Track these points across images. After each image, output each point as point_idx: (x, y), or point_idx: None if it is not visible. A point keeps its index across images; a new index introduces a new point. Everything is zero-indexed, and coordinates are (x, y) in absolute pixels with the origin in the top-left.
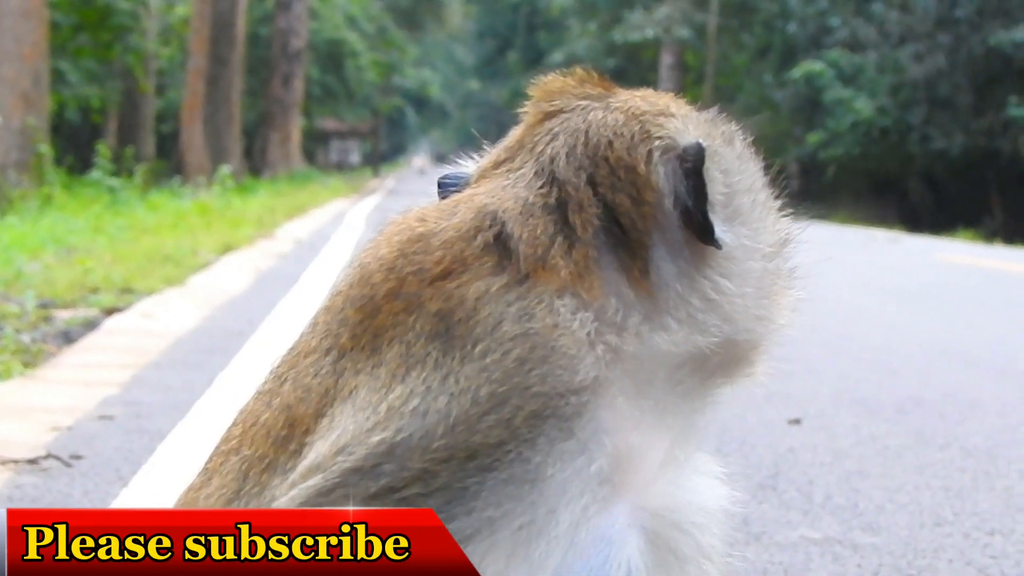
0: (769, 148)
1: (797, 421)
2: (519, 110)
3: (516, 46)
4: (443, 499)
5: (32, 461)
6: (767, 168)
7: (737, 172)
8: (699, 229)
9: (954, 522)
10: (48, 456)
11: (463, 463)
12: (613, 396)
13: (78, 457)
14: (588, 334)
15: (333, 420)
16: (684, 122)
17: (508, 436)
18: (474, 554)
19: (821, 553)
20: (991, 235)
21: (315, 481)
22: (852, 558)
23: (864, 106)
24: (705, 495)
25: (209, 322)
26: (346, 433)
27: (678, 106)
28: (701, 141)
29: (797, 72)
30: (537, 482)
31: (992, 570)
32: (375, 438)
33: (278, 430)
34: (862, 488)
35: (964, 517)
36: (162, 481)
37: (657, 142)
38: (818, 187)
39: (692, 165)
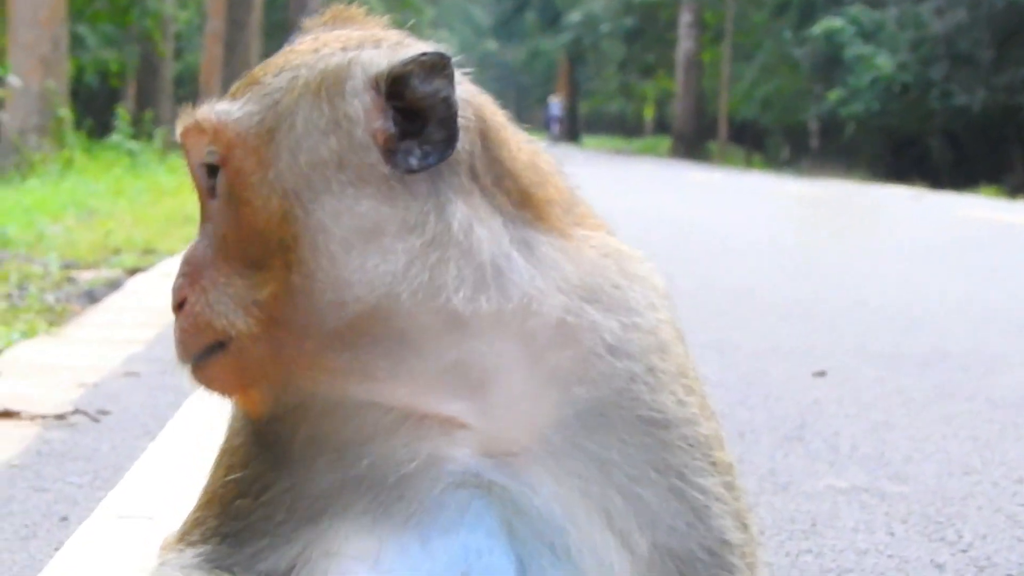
0: (788, 105)
1: (822, 373)
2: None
3: (533, 6)
4: None
5: (60, 417)
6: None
7: None
8: None
9: (982, 471)
10: (75, 412)
11: None
12: None
13: (105, 413)
14: None
15: None
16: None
17: None
18: None
19: (848, 502)
20: (1013, 191)
21: None
22: (880, 506)
23: (884, 62)
24: None
25: None
26: None
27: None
28: None
29: (817, 29)
30: None
31: (1021, 517)
32: None
33: None
34: (888, 439)
35: (992, 466)
36: (189, 436)
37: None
38: (838, 145)
39: None
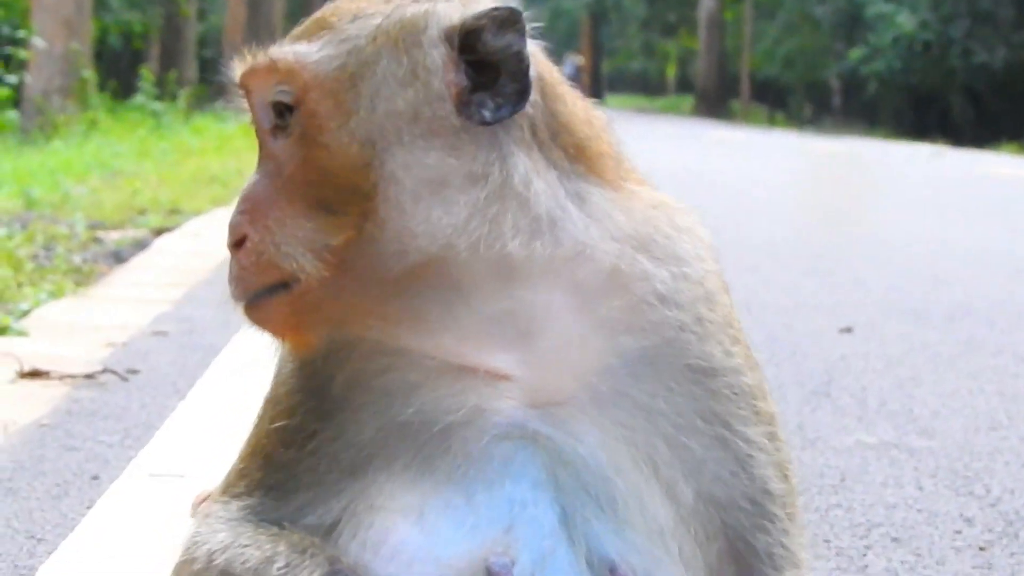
0: (810, 64)
1: (848, 330)
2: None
3: None
4: None
5: (89, 376)
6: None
7: None
8: None
9: (1009, 426)
10: (105, 371)
11: None
12: None
13: (134, 371)
14: None
15: None
16: None
17: None
18: None
19: (877, 457)
20: None
21: None
22: (908, 461)
23: (906, 20)
24: None
25: None
26: None
27: None
28: None
29: None
30: None
31: None
32: None
33: None
34: (916, 394)
35: (1020, 421)
36: (218, 394)
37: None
38: (860, 103)
39: None
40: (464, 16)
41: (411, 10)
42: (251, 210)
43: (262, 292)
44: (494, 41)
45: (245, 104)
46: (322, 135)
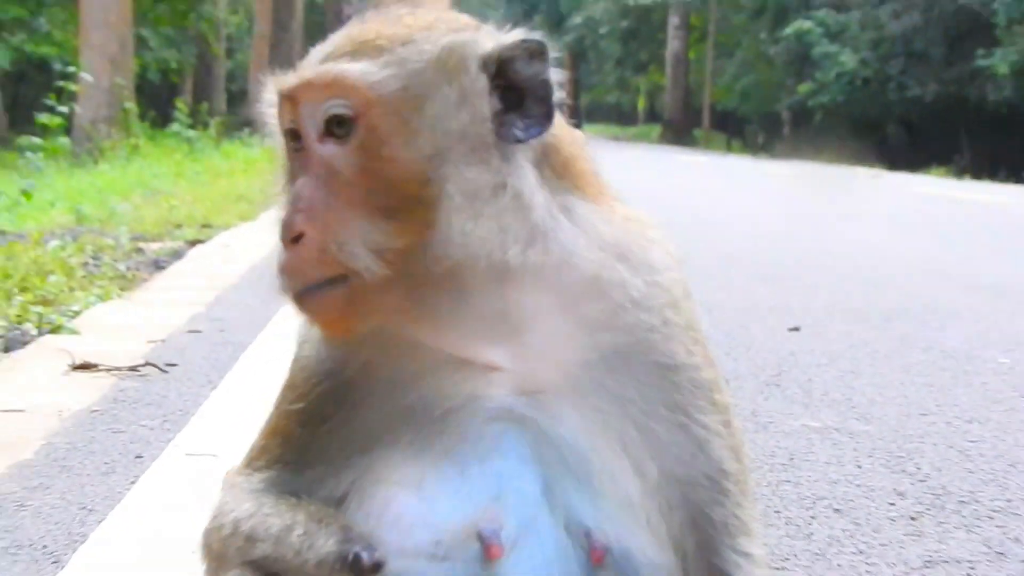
0: (764, 97)
1: (796, 329)
2: None
3: (540, 10)
4: None
5: (133, 369)
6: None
7: None
8: None
9: (937, 412)
10: (146, 364)
11: None
12: None
13: (172, 365)
14: None
15: None
16: None
17: None
18: None
19: (821, 439)
20: (961, 172)
21: None
22: (849, 443)
23: (848, 59)
24: None
25: None
26: None
27: None
28: None
29: (789, 30)
30: None
31: (971, 452)
32: None
33: None
34: (855, 385)
35: (946, 408)
36: (246, 384)
37: None
38: (807, 131)
39: None
40: (500, 45)
41: (458, 38)
42: (307, 209)
43: (318, 285)
44: (525, 69)
45: (276, 113)
46: (385, 149)
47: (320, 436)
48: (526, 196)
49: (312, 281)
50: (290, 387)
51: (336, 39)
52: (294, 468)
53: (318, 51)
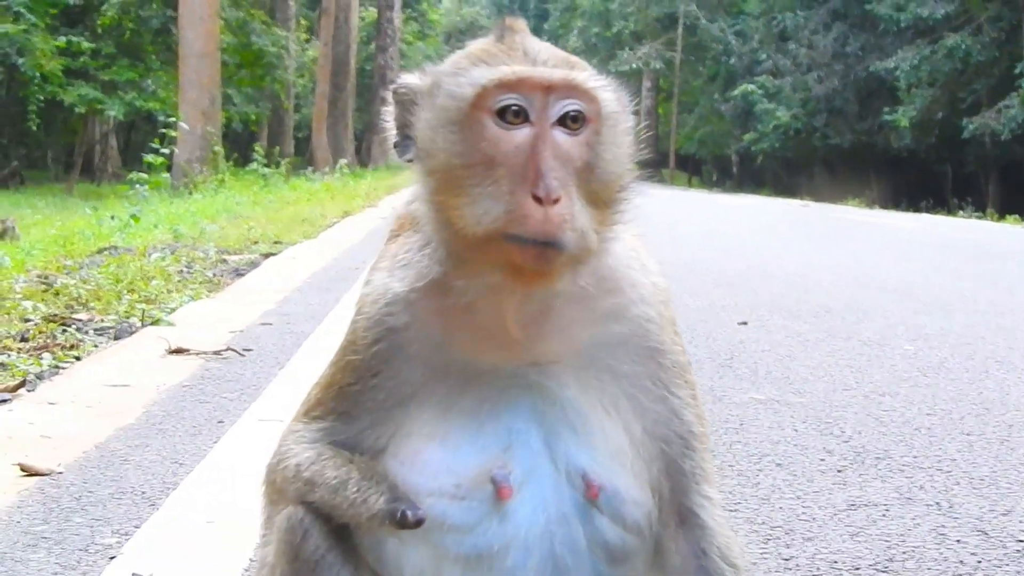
0: (716, 143)
1: (745, 323)
2: None
3: None
4: None
5: (217, 353)
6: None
7: None
8: None
9: (856, 388)
10: (228, 349)
11: None
12: None
13: (248, 350)
14: None
15: None
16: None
17: None
18: None
19: (765, 409)
20: (871, 203)
21: None
22: (787, 412)
23: (783, 114)
24: None
25: (335, 262)
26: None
27: None
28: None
29: (736, 91)
30: None
31: (884, 419)
32: None
33: None
34: (792, 366)
35: (864, 384)
36: (308, 366)
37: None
38: (751, 171)
39: None
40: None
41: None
42: (561, 179)
43: (557, 243)
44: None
45: (485, 93)
46: (608, 152)
47: (368, 390)
48: None
49: (557, 239)
50: (350, 343)
51: (553, 50)
52: (345, 419)
53: (550, 53)
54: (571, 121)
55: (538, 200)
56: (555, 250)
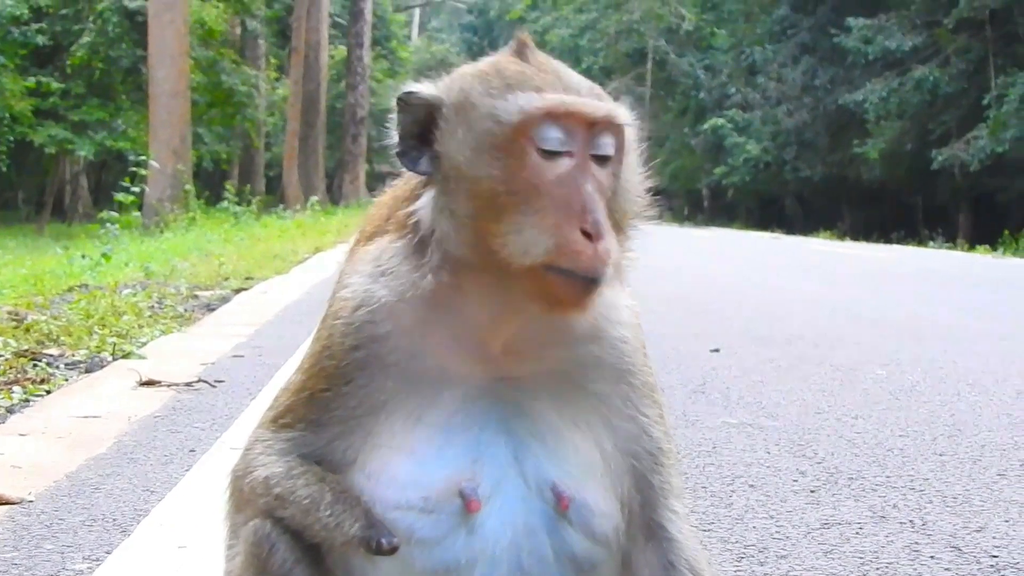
0: (688, 177)
1: (717, 350)
2: None
3: None
4: None
5: (188, 384)
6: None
7: None
8: None
9: (829, 411)
10: (199, 381)
11: None
12: None
13: (220, 381)
14: None
15: None
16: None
17: None
18: None
19: (738, 432)
20: (842, 234)
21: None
22: (760, 435)
23: (753, 147)
24: None
25: (307, 296)
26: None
27: None
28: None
29: (706, 125)
30: None
31: (856, 440)
32: None
33: None
34: (764, 392)
35: (836, 408)
36: None
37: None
38: (722, 204)
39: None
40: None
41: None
42: (604, 213)
43: (598, 279)
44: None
45: (527, 123)
46: (627, 182)
47: (340, 396)
48: None
49: (603, 274)
50: (324, 348)
51: (580, 76)
52: (315, 427)
53: (580, 80)
54: (601, 158)
55: (586, 235)
56: (597, 284)
